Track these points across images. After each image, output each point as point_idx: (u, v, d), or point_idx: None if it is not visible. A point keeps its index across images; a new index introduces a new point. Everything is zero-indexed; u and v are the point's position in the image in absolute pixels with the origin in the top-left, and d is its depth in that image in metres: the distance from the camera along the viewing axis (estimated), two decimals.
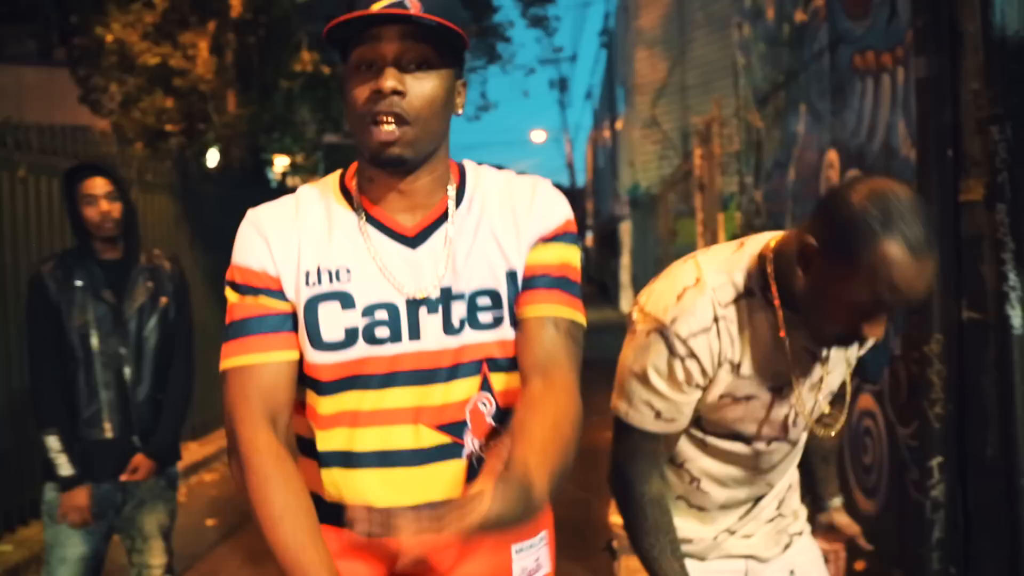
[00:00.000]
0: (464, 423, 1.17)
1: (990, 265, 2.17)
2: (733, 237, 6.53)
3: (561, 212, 1.25)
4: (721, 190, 6.99)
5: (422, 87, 1.11)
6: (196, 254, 6.60)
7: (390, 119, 1.10)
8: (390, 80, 1.09)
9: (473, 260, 1.20)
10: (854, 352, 1.50)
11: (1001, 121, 2.17)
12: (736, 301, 1.35)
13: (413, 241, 1.19)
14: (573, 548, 1.92)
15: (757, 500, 1.55)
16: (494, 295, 1.19)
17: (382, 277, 1.17)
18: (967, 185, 2.25)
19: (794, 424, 1.46)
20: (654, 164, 15.47)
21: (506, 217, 1.22)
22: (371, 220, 1.20)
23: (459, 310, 1.18)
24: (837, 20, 3.73)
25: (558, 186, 1.33)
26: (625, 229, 18.19)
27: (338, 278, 1.17)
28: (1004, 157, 2.17)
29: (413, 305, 1.17)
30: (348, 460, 1.17)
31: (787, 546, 1.60)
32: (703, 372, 1.35)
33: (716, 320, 1.34)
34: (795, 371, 1.39)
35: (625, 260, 18.26)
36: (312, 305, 1.16)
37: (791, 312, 1.32)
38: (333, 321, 1.16)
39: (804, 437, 1.55)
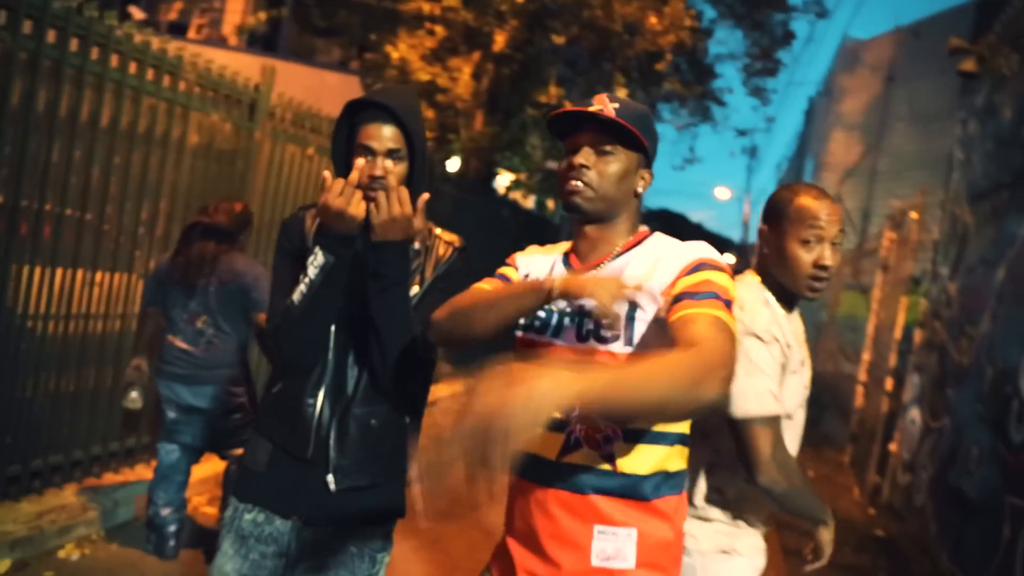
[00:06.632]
0: None
1: None
2: (916, 323, 6.58)
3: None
4: (911, 275, 7.08)
5: (605, 165, 1.48)
6: None
7: (577, 183, 1.47)
8: (580, 158, 1.47)
9: None
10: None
11: None
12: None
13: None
14: None
15: None
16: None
17: None
18: None
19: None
20: None
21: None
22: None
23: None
24: None
25: (729, 241, 1.89)
26: None
27: None
28: None
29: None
30: None
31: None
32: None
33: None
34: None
35: None
36: None
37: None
38: None
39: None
